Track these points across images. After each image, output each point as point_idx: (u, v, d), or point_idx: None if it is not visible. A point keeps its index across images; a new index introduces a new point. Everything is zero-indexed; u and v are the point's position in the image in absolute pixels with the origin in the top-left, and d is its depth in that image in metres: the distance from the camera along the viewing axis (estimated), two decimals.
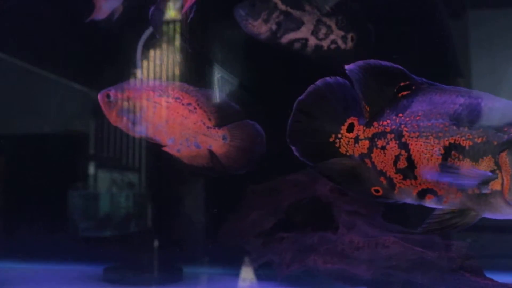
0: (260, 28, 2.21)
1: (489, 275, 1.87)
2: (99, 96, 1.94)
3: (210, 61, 2.35)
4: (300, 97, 1.44)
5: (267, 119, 2.32)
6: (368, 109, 1.40)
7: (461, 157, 1.25)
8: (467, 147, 1.24)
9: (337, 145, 1.44)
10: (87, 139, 2.67)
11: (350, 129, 1.43)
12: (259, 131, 1.95)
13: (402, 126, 1.33)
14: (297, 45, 2.23)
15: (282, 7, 2.22)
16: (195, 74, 2.31)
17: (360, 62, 1.39)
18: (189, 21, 2.03)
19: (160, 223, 2.55)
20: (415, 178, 1.32)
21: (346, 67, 1.39)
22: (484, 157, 1.23)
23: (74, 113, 2.58)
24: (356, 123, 1.42)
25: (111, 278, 2.32)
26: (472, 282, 1.86)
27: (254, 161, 1.95)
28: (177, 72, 2.23)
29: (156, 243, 2.41)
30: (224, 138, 1.92)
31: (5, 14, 2.32)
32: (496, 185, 1.22)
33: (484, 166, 1.22)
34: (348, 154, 1.43)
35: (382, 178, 1.38)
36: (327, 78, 1.43)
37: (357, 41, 2.23)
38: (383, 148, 1.36)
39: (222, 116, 1.93)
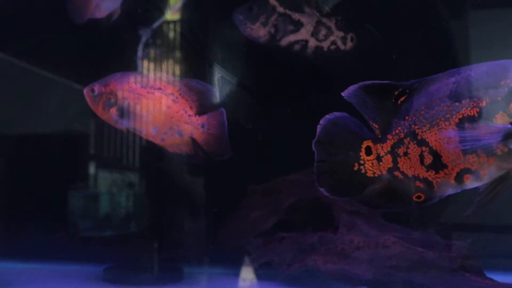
0: (259, 31, 2.22)
1: (489, 275, 1.87)
2: (84, 91, 2.00)
3: (210, 61, 2.34)
4: (315, 140, 1.49)
5: (268, 119, 2.32)
6: (377, 126, 1.45)
7: (474, 125, 1.28)
8: (476, 115, 1.28)
9: (363, 171, 1.47)
10: (87, 139, 2.66)
11: (369, 152, 1.47)
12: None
13: (413, 126, 1.38)
14: (297, 47, 2.23)
15: (281, 9, 2.22)
16: (195, 74, 2.31)
17: (353, 87, 1.45)
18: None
19: (160, 223, 2.55)
20: (446, 166, 1.35)
21: (343, 93, 1.45)
22: (496, 115, 1.26)
23: (75, 113, 2.58)
24: (371, 144, 1.47)
25: (110, 278, 2.31)
26: (472, 282, 1.86)
27: (229, 148, 1.99)
28: (177, 72, 2.23)
29: (156, 243, 2.41)
30: (202, 126, 1.98)
31: (4, 13, 2.32)
32: None
33: (500, 122, 1.25)
34: (376, 175, 1.47)
35: (418, 183, 1.41)
36: (327, 116, 1.49)
37: (357, 41, 2.23)
38: (405, 154, 1.41)
39: (202, 105, 1.98)
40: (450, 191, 1.39)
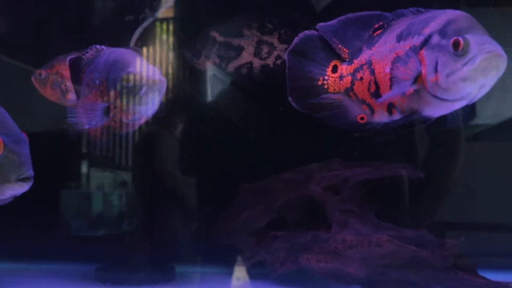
0: (205, 64, 2.31)
1: (482, 273, 1.87)
2: (32, 78, 2.14)
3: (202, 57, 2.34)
4: (289, 49, 1.70)
5: (259, 119, 2.31)
6: (347, 51, 1.64)
7: (399, 65, 1.46)
8: (402, 56, 1.46)
9: (326, 86, 1.68)
10: (80, 138, 2.65)
11: (334, 70, 1.67)
12: None
13: (372, 56, 1.57)
14: (244, 71, 2.29)
15: (221, 39, 2.30)
16: (187, 72, 2.30)
17: (339, 19, 1.66)
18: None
19: (152, 222, 2.54)
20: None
21: (319, 25, 1.67)
22: (411, 59, 1.42)
23: (65, 111, 2.56)
24: (338, 64, 1.66)
25: (102, 278, 2.30)
26: (465, 281, 1.86)
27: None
28: (169, 69, 2.24)
29: (148, 242, 2.40)
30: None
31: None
32: (420, 80, 1.41)
33: (412, 67, 1.42)
34: (335, 92, 1.67)
35: (364, 106, 1.61)
36: (307, 31, 1.69)
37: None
38: (361, 79, 1.59)
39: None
40: (385, 119, 1.58)
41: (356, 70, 1.61)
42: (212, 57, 2.28)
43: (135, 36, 2.32)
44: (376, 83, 1.54)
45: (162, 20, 2.37)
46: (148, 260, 2.36)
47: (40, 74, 2.16)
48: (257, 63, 2.27)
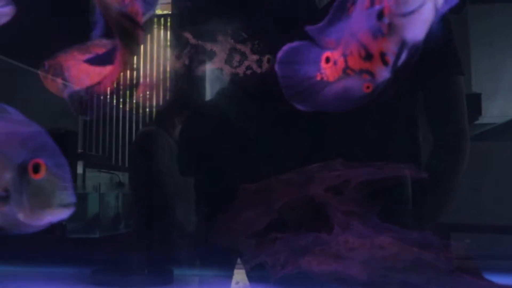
0: (175, 65, 2.33)
1: (487, 276, 1.84)
2: (39, 72, 2.18)
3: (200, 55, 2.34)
4: (278, 60, 1.70)
5: (259, 117, 2.28)
6: (333, 40, 1.66)
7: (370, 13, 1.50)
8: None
9: (325, 78, 1.68)
10: (75, 138, 2.63)
11: (328, 60, 1.67)
12: None
13: (351, 26, 1.58)
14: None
15: (193, 41, 2.30)
16: (186, 69, 2.29)
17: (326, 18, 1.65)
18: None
19: (149, 224, 2.51)
20: (372, 54, 1.55)
21: (308, 28, 1.65)
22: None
23: (62, 111, 2.54)
24: (329, 54, 1.67)
25: (98, 281, 2.27)
26: (470, 284, 1.83)
27: None
28: (168, 67, 2.24)
29: (145, 245, 2.38)
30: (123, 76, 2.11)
31: None
32: (386, 10, 1.45)
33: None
34: (336, 77, 1.66)
35: (364, 75, 1.61)
36: (289, 44, 1.69)
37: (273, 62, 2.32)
38: (351, 52, 1.60)
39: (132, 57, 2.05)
40: (386, 73, 1.56)
41: (344, 48, 1.63)
42: (183, 58, 2.29)
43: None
44: (363, 46, 1.56)
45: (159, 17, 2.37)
46: (145, 262, 2.34)
47: (43, 66, 2.19)
48: (227, 69, 2.28)
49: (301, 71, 1.70)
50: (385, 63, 1.57)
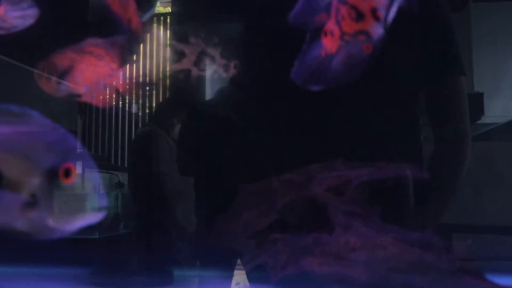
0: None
1: (489, 277, 1.84)
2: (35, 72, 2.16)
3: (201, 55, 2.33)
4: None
5: (260, 117, 2.27)
6: (323, 15, 1.65)
7: None
8: None
9: (329, 51, 1.67)
10: (74, 138, 2.62)
11: (326, 34, 1.67)
12: None
13: None
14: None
15: (165, 41, 2.35)
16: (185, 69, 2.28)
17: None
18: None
19: (149, 225, 2.49)
20: (363, 13, 1.56)
21: (291, 15, 1.65)
22: None
23: (60, 111, 2.53)
24: (325, 28, 1.65)
25: (97, 281, 2.25)
26: (472, 285, 1.82)
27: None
28: (167, 66, 2.23)
29: (145, 246, 2.36)
30: (123, 74, 2.11)
31: None
32: None
33: None
34: (337, 47, 1.66)
35: (360, 37, 1.61)
36: None
37: (241, 67, 2.35)
38: (343, 17, 1.60)
39: (123, 57, 2.09)
40: (380, 30, 1.58)
41: (336, 16, 1.63)
42: (156, 55, 2.32)
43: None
44: (353, 7, 1.56)
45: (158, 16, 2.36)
46: (145, 263, 2.32)
47: (39, 66, 2.16)
48: (195, 71, 2.30)
49: (306, 57, 1.69)
50: (377, 19, 1.59)
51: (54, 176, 1.43)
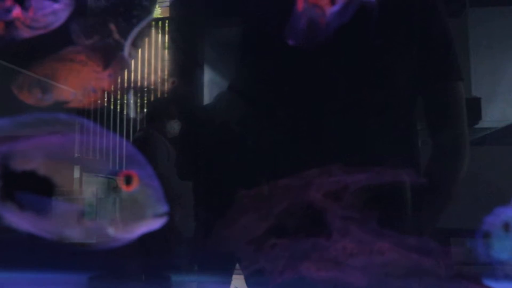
0: None
1: (487, 282, 1.84)
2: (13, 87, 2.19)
3: (199, 61, 2.33)
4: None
5: (258, 122, 2.28)
6: None
7: None
8: None
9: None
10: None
11: None
12: None
13: None
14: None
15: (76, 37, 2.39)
16: (184, 73, 2.28)
17: None
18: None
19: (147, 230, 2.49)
20: None
21: None
22: None
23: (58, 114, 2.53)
24: None
25: (95, 287, 2.25)
26: None
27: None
28: (166, 71, 2.25)
29: (143, 251, 2.36)
30: (109, 76, 2.13)
31: None
32: None
33: None
34: None
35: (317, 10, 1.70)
36: None
37: (178, 85, 2.40)
38: None
39: (106, 60, 2.12)
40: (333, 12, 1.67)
41: None
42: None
43: (130, 38, 2.29)
44: None
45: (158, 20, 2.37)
46: (142, 268, 2.32)
47: (18, 80, 2.20)
48: (132, 83, 2.36)
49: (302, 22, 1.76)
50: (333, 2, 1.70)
51: (113, 184, 1.42)
